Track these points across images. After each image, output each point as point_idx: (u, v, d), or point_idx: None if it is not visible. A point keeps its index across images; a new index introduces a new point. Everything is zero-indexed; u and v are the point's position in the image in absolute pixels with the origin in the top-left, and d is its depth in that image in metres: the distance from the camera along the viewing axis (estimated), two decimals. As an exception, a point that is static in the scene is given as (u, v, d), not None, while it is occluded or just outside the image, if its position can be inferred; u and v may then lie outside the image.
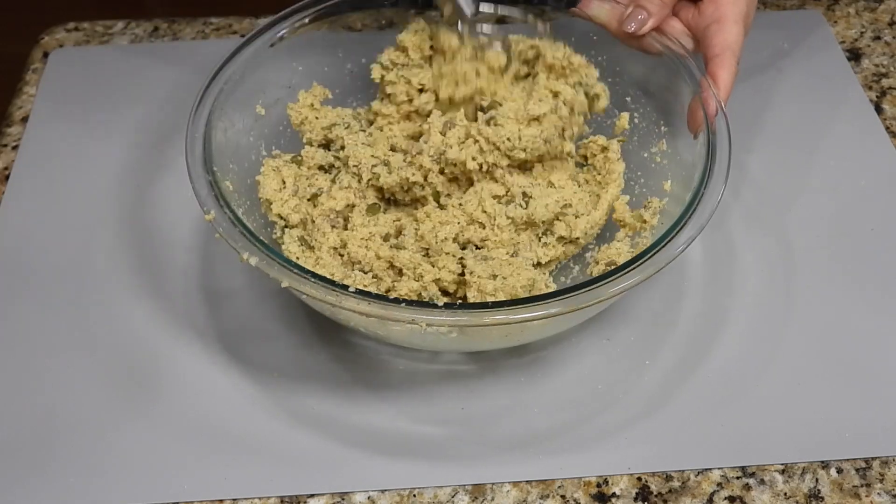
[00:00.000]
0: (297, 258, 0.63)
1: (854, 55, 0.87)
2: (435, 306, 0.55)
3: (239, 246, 0.58)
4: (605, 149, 0.69)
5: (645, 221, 0.66)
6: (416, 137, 0.69)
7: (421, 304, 0.57)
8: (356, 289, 0.55)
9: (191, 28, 0.91)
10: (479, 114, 0.67)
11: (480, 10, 0.68)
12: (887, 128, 0.80)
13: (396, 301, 0.55)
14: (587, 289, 0.55)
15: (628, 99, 0.72)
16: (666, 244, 0.57)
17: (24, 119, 0.82)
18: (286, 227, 0.66)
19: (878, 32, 0.89)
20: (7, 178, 0.77)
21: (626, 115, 0.71)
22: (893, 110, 0.82)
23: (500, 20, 0.69)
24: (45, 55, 0.88)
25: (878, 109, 0.82)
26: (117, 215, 0.75)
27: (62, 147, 0.80)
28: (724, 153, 0.62)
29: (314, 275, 0.56)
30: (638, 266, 0.56)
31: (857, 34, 0.89)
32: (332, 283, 0.56)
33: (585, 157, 0.71)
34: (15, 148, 0.80)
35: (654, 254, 0.57)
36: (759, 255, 0.72)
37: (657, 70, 0.70)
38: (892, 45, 0.88)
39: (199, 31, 0.90)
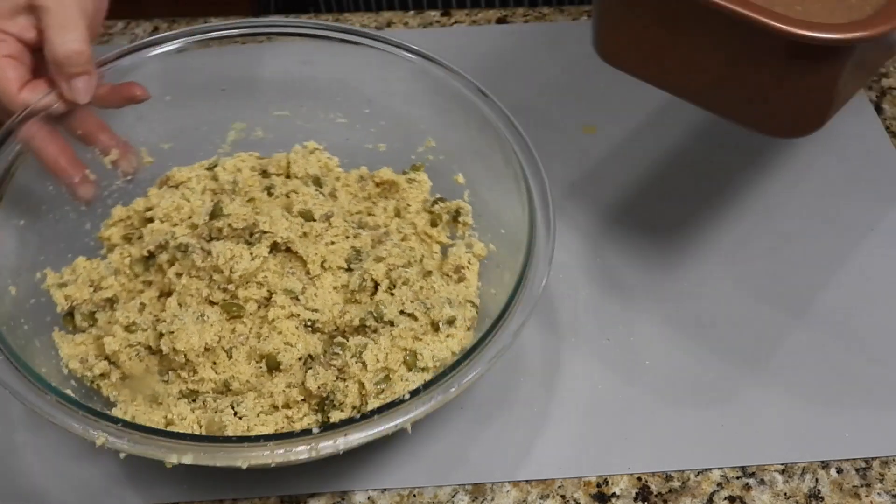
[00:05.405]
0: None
1: (854, 55, 0.87)
2: (335, 425, 0.51)
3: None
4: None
5: (466, 224, 0.68)
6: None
7: (332, 426, 0.52)
8: (266, 434, 0.53)
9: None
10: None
11: None
12: (887, 128, 0.80)
13: (306, 432, 0.51)
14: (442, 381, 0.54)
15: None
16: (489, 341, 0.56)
17: (24, 119, 0.82)
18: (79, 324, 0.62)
19: (878, 32, 0.89)
20: (7, 177, 0.77)
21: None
22: (893, 110, 0.82)
23: None
24: (46, 55, 0.88)
25: (878, 109, 0.82)
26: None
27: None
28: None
29: (217, 439, 0.53)
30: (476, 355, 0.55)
31: (857, 34, 0.89)
32: (236, 439, 0.53)
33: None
34: (15, 148, 0.79)
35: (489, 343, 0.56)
36: (759, 254, 0.71)
37: None
38: (892, 45, 0.88)
39: (199, 31, 0.90)
